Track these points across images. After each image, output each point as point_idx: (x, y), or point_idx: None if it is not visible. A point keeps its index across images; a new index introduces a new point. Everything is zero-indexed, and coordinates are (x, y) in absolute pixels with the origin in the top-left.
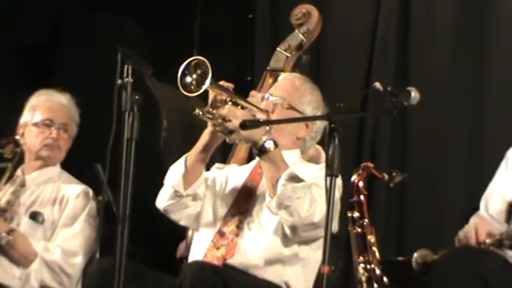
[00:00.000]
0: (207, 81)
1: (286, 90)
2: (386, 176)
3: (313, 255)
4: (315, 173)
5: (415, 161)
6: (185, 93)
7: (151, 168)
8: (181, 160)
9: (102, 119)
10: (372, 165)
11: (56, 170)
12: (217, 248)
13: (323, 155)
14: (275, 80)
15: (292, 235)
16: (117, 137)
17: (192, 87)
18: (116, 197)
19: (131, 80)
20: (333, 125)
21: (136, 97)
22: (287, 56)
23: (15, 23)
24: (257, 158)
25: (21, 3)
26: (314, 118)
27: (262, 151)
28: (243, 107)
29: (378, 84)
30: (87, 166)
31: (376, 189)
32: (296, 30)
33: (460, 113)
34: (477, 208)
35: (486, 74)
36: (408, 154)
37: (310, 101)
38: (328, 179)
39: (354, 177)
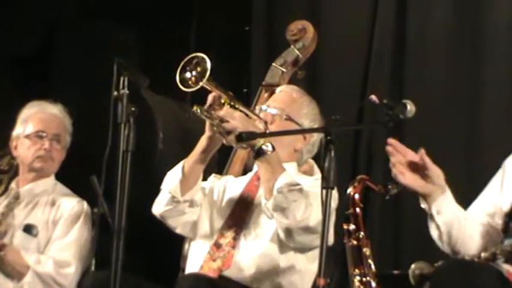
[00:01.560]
0: (205, 77)
1: (284, 102)
2: (382, 188)
3: (309, 267)
4: (311, 183)
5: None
6: (182, 88)
7: (148, 180)
8: (179, 166)
9: (98, 130)
10: (367, 177)
11: (50, 181)
12: (214, 260)
13: (315, 168)
14: (271, 95)
15: (287, 239)
16: (113, 149)
17: (190, 82)
18: (111, 209)
19: (127, 91)
20: (329, 137)
21: (132, 109)
22: (282, 71)
23: (10, 31)
24: (254, 170)
25: (17, 11)
26: (311, 131)
27: (259, 153)
28: (241, 111)
29: (373, 97)
30: (82, 178)
31: (371, 201)
32: (292, 46)
33: (455, 125)
34: None
35: (481, 86)
36: None
37: (308, 114)
38: (324, 191)
39: (349, 190)
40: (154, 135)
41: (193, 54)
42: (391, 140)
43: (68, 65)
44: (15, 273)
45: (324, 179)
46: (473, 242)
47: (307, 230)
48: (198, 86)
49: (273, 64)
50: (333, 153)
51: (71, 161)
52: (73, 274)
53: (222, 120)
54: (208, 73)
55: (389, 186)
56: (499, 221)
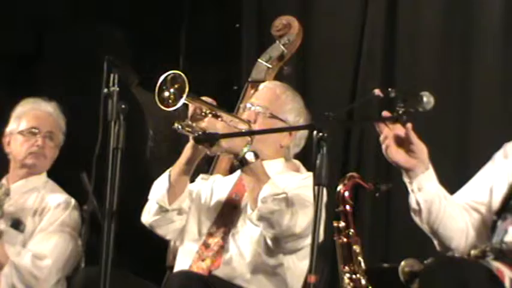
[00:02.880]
0: (184, 96)
1: (267, 99)
2: (372, 186)
3: (299, 265)
4: (299, 183)
5: (400, 171)
6: (163, 108)
7: (138, 178)
8: (165, 175)
9: (88, 128)
10: (357, 175)
11: (41, 179)
12: (203, 260)
13: (302, 168)
14: (256, 91)
15: (275, 246)
16: (103, 146)
17: (170, 101)
18: (101, 206)
19: (117, 89)
20: (320, 134)
21: (123, 106)
22: (268, 67)
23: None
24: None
25: (6, 12)
26: (299, 128)
27: (243, 163)
28: (224, 119)
29: (377, 91)
30: (73, 175)
31: (362, 198)
32: (277, 42)
33: (445, 123)
34: None
35: (471, 84)
36: None
37: (292, 109)
38: (316, 188)
39: (339, 187)
40: (145, 132)
41: (168, 73)
42: (385, 113)
43: (57, 63)
44: None
45: (316, 176)
46: (452, 222)
47: (294, 237)
48: (179, 104)
49: (259, 60)
50: (325, 150)
51: (61, 158)
52: (49, 267)
53: (204, 132)
54: (186, 91)
55: (380, 184)
56: (483, 210)
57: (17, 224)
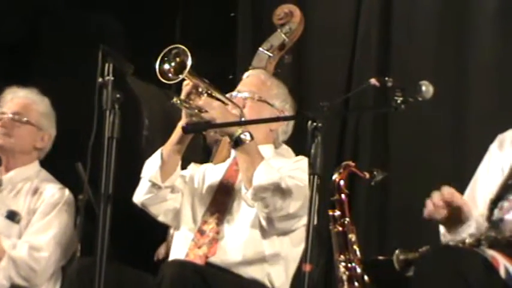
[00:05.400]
0: (185, 71)
1: (254, 84)
2: (367, 175)
3: (295, 250)
4: (291, 166)
5: (396, 160)
6: (162, 79)
7: (133, 167)
8: (157, 153)
9: (83, 117)
10: (353, 163)
11: (34, 168)
12: (199, 247)
13: (291, 151)
14: None
15: (268, 226)
16: (98, 135)
17: (170, 74)
18: (96, 196)
19: (112, 78)
20: (315, 124)
21: (118, 95)
22: (269, 56)
23: None
24: (232, 156)
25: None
26: (293, 117)
27: (237, 143)
28: (218, 100)
29: (373, 80)
30: (68, 165)
31: (357, 187)
32: (278, 30)
33: (442, 112)
34: None
35: (468, 71)
36: (390, 153)
37: (278, 94)
38: (311, 177)
39: (335, 176)
40: (140, 121)
41: (172, 46)
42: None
43: (52, 53)
44: None
45: (310, 165)
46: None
47: (287, 217)
48: (179, 79)
49: (260, 49)
50: (319, 140)
51: (56, 148)
52: (46, 259)
53: (201, 110)
54: (189, 66)
55: (375, 173)
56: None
57: (12, 216)
